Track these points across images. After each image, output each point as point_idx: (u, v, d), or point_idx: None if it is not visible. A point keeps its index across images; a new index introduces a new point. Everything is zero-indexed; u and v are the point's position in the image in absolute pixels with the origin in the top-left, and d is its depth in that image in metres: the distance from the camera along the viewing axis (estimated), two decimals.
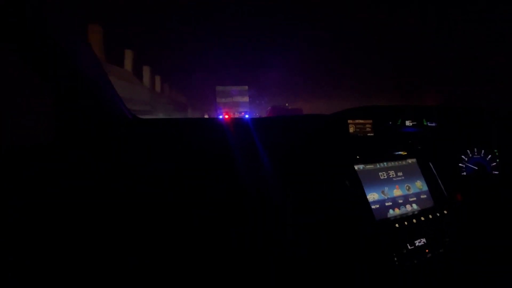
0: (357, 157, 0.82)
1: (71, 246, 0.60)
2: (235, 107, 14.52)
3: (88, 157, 0.67)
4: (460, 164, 1.00)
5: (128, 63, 13.97)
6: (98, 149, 0.71)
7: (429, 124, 1.08)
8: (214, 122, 0.96)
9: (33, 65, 0.57)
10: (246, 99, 15.02)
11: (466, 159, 1.01)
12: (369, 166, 0.82)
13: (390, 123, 1.02)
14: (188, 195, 0.73)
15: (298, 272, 0.71)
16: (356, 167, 0.80)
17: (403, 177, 0.84)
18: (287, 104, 11.23)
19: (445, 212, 0.80)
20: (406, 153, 0.89)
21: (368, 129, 0.98)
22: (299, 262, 0.71)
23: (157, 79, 19.04)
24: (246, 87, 15.32)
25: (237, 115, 13.82)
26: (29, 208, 0.56)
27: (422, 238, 0.74)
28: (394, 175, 0.83)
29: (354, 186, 0.77)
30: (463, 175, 0.98)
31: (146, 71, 16.86)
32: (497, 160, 1.02)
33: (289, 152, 0.87)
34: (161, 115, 17.05)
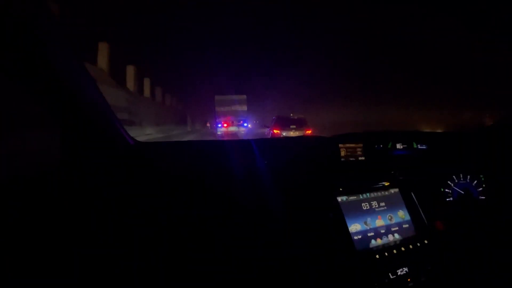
0: (340, 189, 0.87)
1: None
2: (234, 116, 14.69)
3: (91, 183, 0.75)
4: (446, 190, 1.04)
5: (130, 78, 14.39)
6: (100, 175, 0.78)
7: (419, 147, 1.13)
8: (215, 145, 1.05)
9: (39, 99, 0.64)
10: (244, 107, 15.15)
11: (452, 184, 1.05)
12: (352, 198, 0.87)
13: (381, 146, 1.07)
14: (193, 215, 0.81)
15: None
16: (339, 199, 0.85)
17: (385, 207, 0.88)
18: (291, 114, 10.93)
19: (426, 241, 0.84)
20: (388, 183, 0.94)
21: (359, 153, 1.03)
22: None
23: (158, 90, 19.50)
24: (245, 96, 15.58)
25: (235, 124, 14.54)
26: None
27: (404, 267, 0.78)
28: (377, 206, 0.88)
29: (336, 217, 0.82)
30: (449, 200, 1.02)
31: (146, 83, 17.30)
32: (483, 186, 1.05)
33: (287, 174, 0.94)
34: (166, 126, 17.42)
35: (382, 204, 0.88)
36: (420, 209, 0.90)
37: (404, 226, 0.87)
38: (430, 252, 0.83)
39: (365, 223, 0.84)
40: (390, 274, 0.76)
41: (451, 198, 1.03)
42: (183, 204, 0.83)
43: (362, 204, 0.87)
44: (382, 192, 0.91)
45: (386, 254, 0.79)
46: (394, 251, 0.79)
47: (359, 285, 0.74)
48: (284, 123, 8.73)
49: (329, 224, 0.81)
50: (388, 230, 0.85)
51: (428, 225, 0.88)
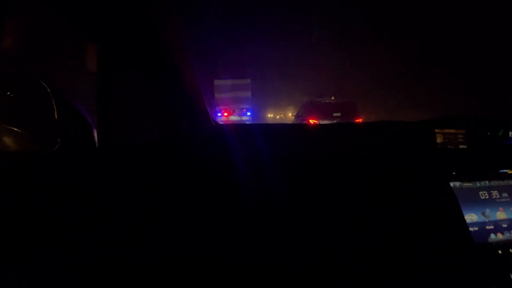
0: (453, 173, 0.75)
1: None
2: (236, 104, 12.68)
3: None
4: None
5: None
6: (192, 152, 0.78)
7: None
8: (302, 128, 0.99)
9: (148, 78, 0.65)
10: (248, 93, 12.91)
11: None
12: (467, 184, 0.75)
13: (489, 133, 0.90)
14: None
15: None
16: (452, 184, 0.74)
17: (509, 199, 0.75)
18: (332, 98, 7.37)
19: None
20: None
21: (460, 140, 0.89)
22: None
23: None
24: (248, 80, 13.30)
25: (237, 112, 12.56)
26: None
27: None
28: (498, 196, 0.75)
29: (449, 204, 0.72)
30: None
31: None
32: None
33: (366, 161, 0.84)
34: None
35: (505, 194, 0.75)
36: None
37: None
38: None
39: (483, 214, 0.72)
40: (511, 275, 0.66)
41: None
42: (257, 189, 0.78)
43: (480, 192, 0.74)
44: (505, 181, 0.77)
45: (510, 251, 0.68)
46: None
47: (474, 283, 0.65)
48: (324, 110, 6.60)
49: (442, 212, 0.71)
50: None
51: None
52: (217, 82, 12.87)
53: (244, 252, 0.66)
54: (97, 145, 0.66)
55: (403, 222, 0.72)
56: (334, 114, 6.43)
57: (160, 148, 0.78)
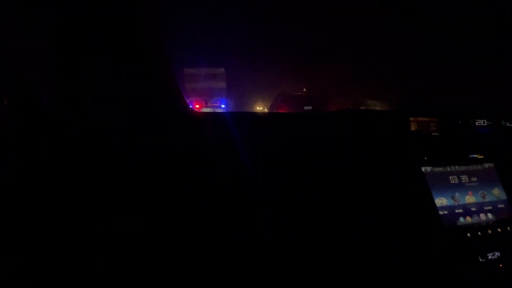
0: (425, 158, 0.76)
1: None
2: (209, 95, 11.19)
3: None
4: None
5: None
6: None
7: (507, 125, 0.96)
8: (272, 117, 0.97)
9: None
10: (222, 84, 11.66)
11: None
12: (438, 169, 0.75)
13: (460, 122, 0.92)
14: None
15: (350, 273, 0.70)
16: (423, 169, 0.74)
17: (477, 183, 0.76)
18: (304, 90, 7.83)
19: None
20: (482, 156, 0.80)
21: (433, 128, 0.90)
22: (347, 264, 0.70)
23: None
24: (223, 69, 11.85)
25: (210, 105, 10.94)
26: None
27: (497, 251, 0.68)
28: (467, 180, 0.76)
29: (420, 189, 0.72)
30: None
31: None
32: None
33: (340, 149, 0.84)
34: None
35: (474, 179, 0.76)
36: None
37: (499, 206, 0.75)
38: None
39: (453, 198, 0.73)
40: (479, 257, 0.67)
41: None
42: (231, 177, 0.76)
43: (450, 177, 0.75)
44: (474, 166, 0.78)
45: (478, 234, 0.68)
46: (488, 231, 0.69)
47: (444, 265, 0.65)
48: (294, 103, 6.46)
49: (412, 197, 0.71)
50: (480, 208, 0.73)
51: None
52: (187, 70, 11.43)
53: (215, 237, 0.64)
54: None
55: (376, 206, 0.72)
56: (305, 108, 6.18)
57: (133, 131, 0.73)
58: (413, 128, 0.89)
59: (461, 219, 0.71)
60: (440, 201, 0.72)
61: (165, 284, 0.60)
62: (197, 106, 10.24)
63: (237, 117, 0.90)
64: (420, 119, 0.89)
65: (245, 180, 0.74)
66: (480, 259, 0.67)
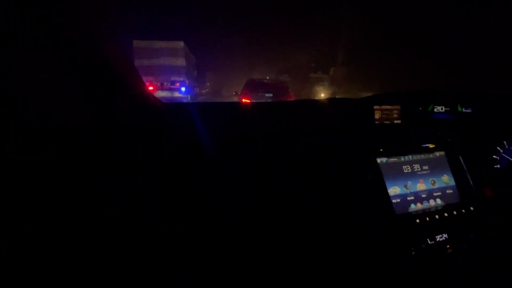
0: (381, 150, 0.79)
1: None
2: (164, 74, 9.09)
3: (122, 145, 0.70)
4: (494, 156, 0.94)
5: None
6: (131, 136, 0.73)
7: (464, 111, 1.01)
8: (239, 107, 0.97)
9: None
10: (181, 61, 9.39)
11: (502, 151, 0.95)
12: (392, 159, 0.79)
13: (420, 108, 0.97)
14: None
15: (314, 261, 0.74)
16: (378, 160, 0.78)
17: (428, 171, 0.81)
18: (268, 77, 9.19)
19: (471, 208, 0.77)
20: (434, 145, 0.85)
21: (395, 116, 0.94)
22: (311, 253, 0.74)
23: None
24: (181, 43, 9.55)
25: (166, 86, 9.08)
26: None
27: (444, 233, 0.73)
28: (419, 169, 0.80)
29: (375, 179, 0.76)
30: (497, 167, 0.93)
31: None
32: None
33: (304, 138, 0.86)
34: None
35: (425, 167, 0.81)
36: (468, 175, 0.82)
37: (447, 191, 0.80)
38: (474, 220, 0.77)
39: (405, 186, 0.77)
40: (428, 239, 0.72)
41: (499, 166, 0.93)
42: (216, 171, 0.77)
43: (403, 166, 0.79)
44: (426, 155, 0.83)
45: (426, 219, 0.73)
46: (436, 216, 0.74)
47: (396, 249, 0.70)
48: (257, 90, 6.49)
49: (367, 187, 0.75)
50: (430, 194, 0.78)
51: (476, 191, 0.80)
52: (137, 43, 9.28)
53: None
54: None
55: (332, 196, 0.75)
56: (266, 95, 6.40)
57: (90, 132, 0.72)
58: (377, 116, 0.93)
59: (412, 205, 0.76)
60: (394, 190, 0.76)
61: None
62: (150, 88, 8.32)
63: (201, 109, 0.89)
64: (383, 107, 0.93)
65: (209, 173, 0.75)
66: (429, 241, 0.72)
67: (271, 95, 6.39)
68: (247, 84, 6.76)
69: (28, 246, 0.49)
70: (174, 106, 0.89)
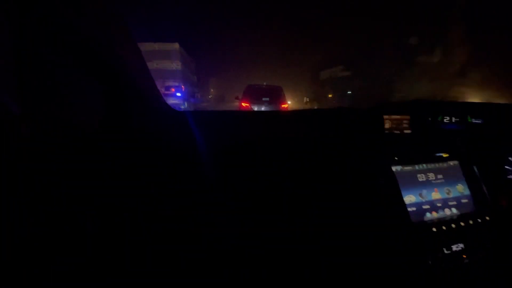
0: (396, 158, 0.80)
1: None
2: (158, 79, 8.33)
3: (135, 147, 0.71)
4: (506, 167, 0.94)
5: None
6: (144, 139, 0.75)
7: (474, 121, 1.02)
8: (250, 116, 0.99)
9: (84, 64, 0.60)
10: (176, 65, 8.89)
11: None
12: (407, 168, 0.80)
13: (430, 119, 0.98)
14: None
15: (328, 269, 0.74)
16: (393, 168, 0.79)
17: (443, 180, 0.81)
18: (264, 83, 7.60)
19: (487, 218, 0.77)
20: (448, 155, 0.85)
21: (405, 126, 0.95)
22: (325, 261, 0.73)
23: None
24: (177, 44, 9.02)
25: (161, 92, 8.08)
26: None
27: (460, 243, 0.73)
28: (434, 178, 0.81)
29: (390, 187, 0.76)
30: (510, 178, 0.93)
31: None
32: None
33: (316, 148, 0.87)
34: None
35: (440, 176, 0.81)
36: (483, 184, 0.82)
37: (462, 200, 0.80)
38: (491, 230, 0.76)
39: (420, 195, 0.78)
40: (444, 249, 0.72)
41: (511, 176, 0.93)
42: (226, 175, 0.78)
43: (418, 175, 0.80)
44: (440, 164, 0.83)
45: (442, 228, 0.73)
46: (452, 226, 0.74)
47: (412, 258, 0.70)
48: (256, 95, 6.76)
49: (383, 195, 0.75)
50: (445, 204, 0.78)
51: (491, 201, 0.80)
52: None
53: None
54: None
55: (348, 203, 0.76)
56: (263, 99, 6.75)
57: (104, 136, 0.73)
58: (387, 125, 0.94)
59: (428, 214, 0.76)
60: (409, 198, 0.76)
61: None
62: None
63: (206, 117, 0.91)
64: (393, 117, 0.94)
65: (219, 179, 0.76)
66: (445, 251, 0.71)
67: (267, 99, 6.79)
68: (247, 90, 7.10)
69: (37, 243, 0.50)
70: (183, 114, 0.91)
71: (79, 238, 0.55)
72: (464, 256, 0.73)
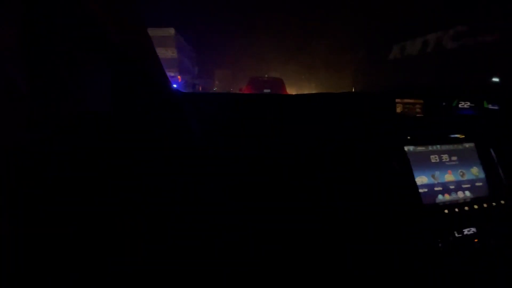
0: (408, 137, 0.76)
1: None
2: None
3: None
4: None
5: None
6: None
7: (490, 107, 0.97)
8: (256, 98, 0.95)
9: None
10: (171, 52, 8.09)
11: None
12: (420, 148, 0.76)
13: (444, 104, 0.93)
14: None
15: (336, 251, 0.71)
16: (406, 148, 0.75)
17: (457, 162, 0.77)
18: (266, 76, 8.83)
19: (502, 202, 0.74)
20: (463, 136, 0.81)
21: (418, 110, 0.91)
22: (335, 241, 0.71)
23: None
24: (172, 30, 8.28)
25: None
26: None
27: (472, 227, 0.70)
28: (448, 159, 0.77)
29: (402, 168, 0.73)
30: None
31: None
32: None
33: (327, 131, 0.84)
34: None
35: (454, 158, 0.78)
36: (499, 168, 0.78)
37: (477, 184, 0.77)
38: (505, 214, 0.73)
39: (433, 176, 0.74)
40: (455, 232, 0.69)
41: None
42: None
43: (431, 156, 0.76)
44: (455, 146, 0.79)
45: (455, 210, 0.70)
46: (466, 208, 0.71)
47: (422, 240, 0.67)
48: (258, 86, 7.25)
49: (394, 174, 0.72)
50: (459, 186, 0.75)
51: (507, 185, 0.77)
52: None
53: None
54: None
55: (360, 184, 0.73)
56: (265, 90, 7.12)
57: (114, 119, 0.71)
58: (398, 110, 0.90)
59: (440, 196, 0.73)
60: (421, 179, 0.73)
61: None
62: None
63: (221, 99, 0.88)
64: (405, 100, 0.90)
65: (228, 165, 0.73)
66: (457, 234, 0.69)
67: (269, 90, 7.22)
68: (249, 81, 7.62)
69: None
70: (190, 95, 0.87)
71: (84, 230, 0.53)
72: (476, 241, 0.70)
